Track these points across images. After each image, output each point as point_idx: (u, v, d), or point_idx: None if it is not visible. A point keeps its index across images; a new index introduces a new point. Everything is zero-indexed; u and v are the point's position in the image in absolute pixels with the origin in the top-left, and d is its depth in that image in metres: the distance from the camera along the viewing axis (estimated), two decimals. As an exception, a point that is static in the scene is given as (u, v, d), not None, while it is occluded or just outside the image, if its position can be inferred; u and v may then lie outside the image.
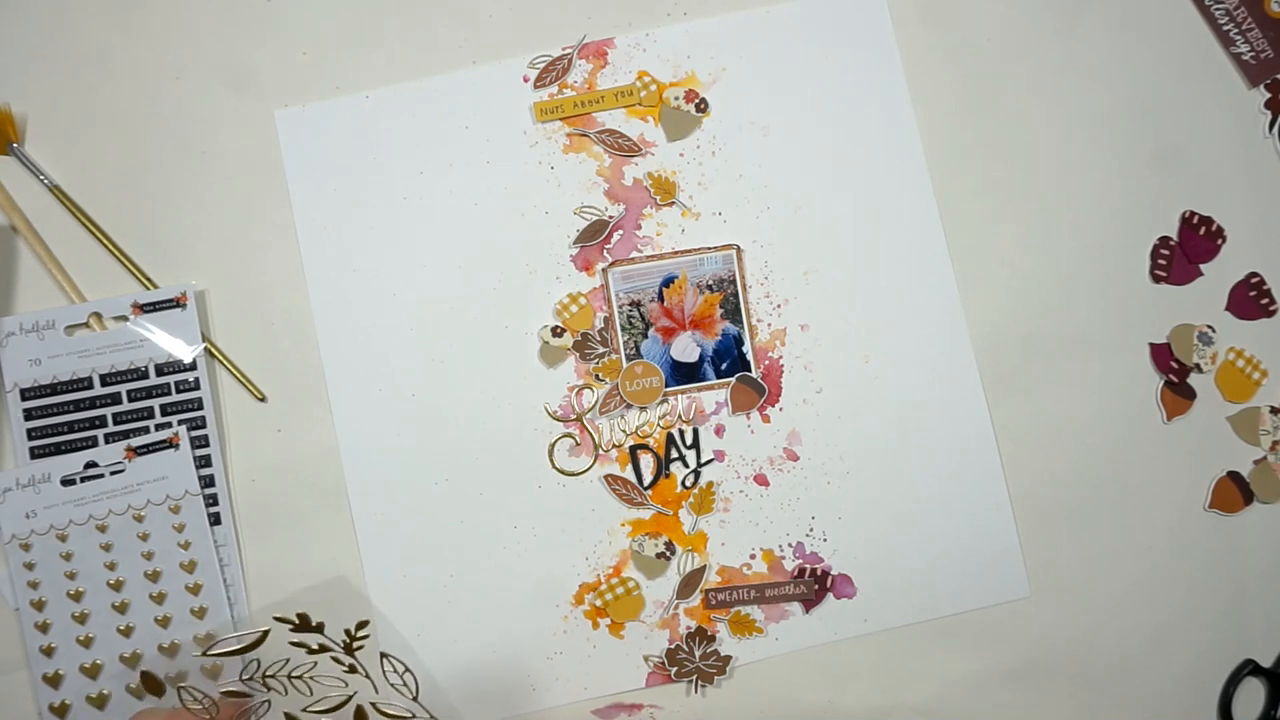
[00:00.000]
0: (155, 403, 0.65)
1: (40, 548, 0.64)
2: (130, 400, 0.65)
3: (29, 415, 0.65)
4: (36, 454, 0.65)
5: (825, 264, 0.68)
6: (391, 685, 0.59)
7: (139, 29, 0.68)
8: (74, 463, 0.65)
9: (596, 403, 0.67)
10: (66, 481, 0.64)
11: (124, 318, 0.66)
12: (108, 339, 0.66)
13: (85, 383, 0.65)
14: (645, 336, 0.67)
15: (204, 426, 0.65)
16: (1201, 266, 0.69)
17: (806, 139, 0.68)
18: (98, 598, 0.64)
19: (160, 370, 0.66)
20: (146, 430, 0.65)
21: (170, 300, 0.66)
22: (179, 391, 0.66)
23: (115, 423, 0.65)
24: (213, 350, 0.66)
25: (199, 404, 0.66)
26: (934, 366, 0.68)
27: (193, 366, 0.66)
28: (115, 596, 0.64)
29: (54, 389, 0.65)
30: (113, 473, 0.64)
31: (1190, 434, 0.68)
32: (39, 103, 0.67)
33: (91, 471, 0.65)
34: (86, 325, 0.65)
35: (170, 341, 0.66)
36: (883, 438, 0.67)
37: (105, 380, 0.65)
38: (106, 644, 0.64)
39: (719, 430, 0.67)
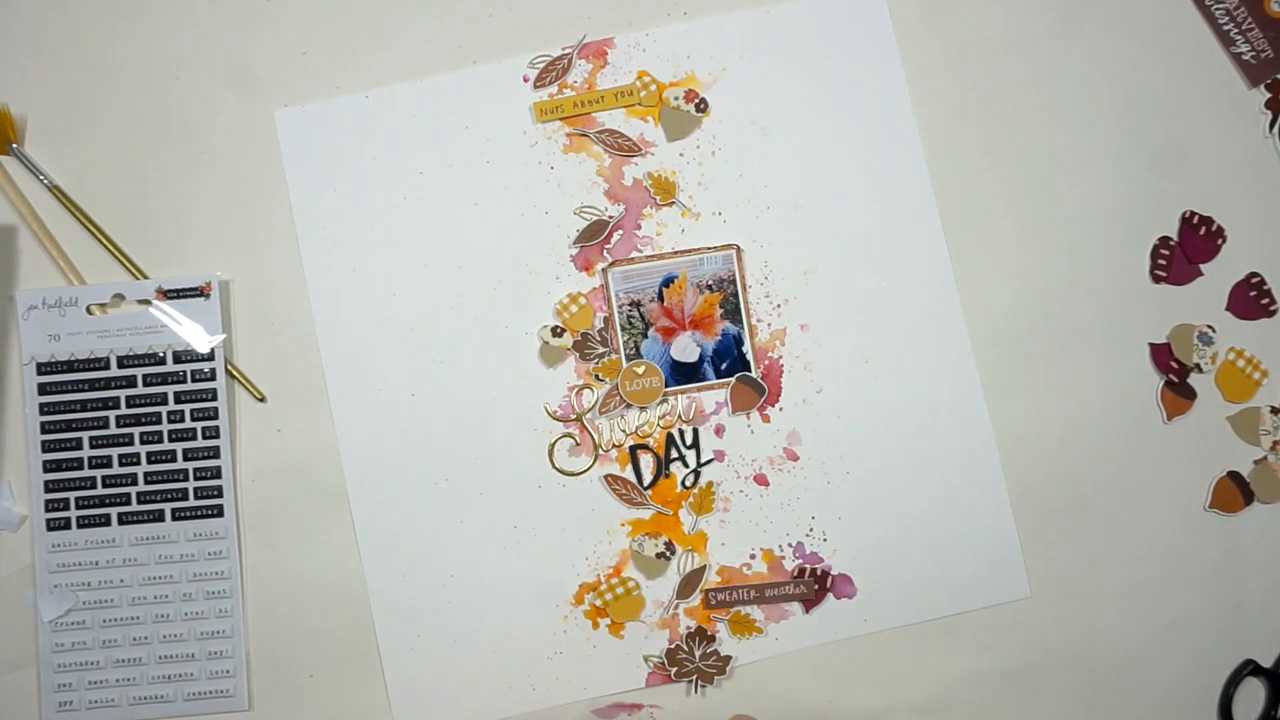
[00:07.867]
0: (169, 389, 0.65)
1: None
2: (145, 385, 0.66)
3: (43, 390, 0.65)
4: (47, 429, 0.65)
5: (825, 264, 0.68)
6: None
7: (139, 29, 0.68)
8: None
9: (596, 403, 0.67)
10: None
11: (147, 301, 0.66)
12: (128, 321, 0.66)
13: (102, 363, 0.66)
14: (645, 336, 0.67)
15: (216, 418, 0.66)
16: (1201, 266, 0.69)
17: (806, 139, 0.68)
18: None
19: (178, 358, 0.66)
20: (157, 418, 0.65)
21: (195, 289, 0.66)
22: (194, 381, 0.66)
23: (128, 405, 0.65)
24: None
25: (213, 395, 0.66)
26: (934, 366, 0.68)
27: (210, 357, 0.66)
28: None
29: (70, 366, 0.65)
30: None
31: (1190, 434, 0.68)
32: (39, 103, 0.67)
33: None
34: (109, 305, 0.66)
35: (191, 329, 0.66)
36: (883, 438, 0.67)
37: (122, 362, 0.66)
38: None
39: (719, 430, 0.67)
